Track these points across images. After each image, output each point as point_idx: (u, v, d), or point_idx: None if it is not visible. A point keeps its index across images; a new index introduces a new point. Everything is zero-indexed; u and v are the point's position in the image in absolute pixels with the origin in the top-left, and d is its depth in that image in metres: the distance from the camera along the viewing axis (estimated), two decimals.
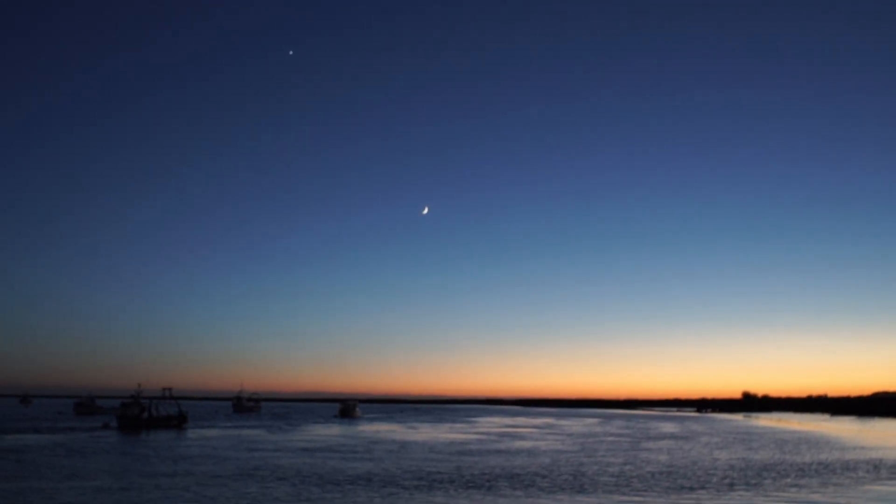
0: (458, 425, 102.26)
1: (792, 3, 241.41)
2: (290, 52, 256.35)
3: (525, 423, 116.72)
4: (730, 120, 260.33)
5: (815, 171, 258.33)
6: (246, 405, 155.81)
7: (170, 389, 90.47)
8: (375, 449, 53.65)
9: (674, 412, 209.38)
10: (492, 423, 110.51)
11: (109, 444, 56.38)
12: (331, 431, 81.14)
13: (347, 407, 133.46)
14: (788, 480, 34.51)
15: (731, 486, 32.07)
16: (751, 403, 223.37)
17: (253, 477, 34.35)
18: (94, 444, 55.80)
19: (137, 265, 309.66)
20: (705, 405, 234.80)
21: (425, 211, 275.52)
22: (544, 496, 28.83)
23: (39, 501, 26.63)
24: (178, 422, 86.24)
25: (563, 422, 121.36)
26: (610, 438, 70.88)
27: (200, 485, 31.34)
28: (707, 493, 30.04)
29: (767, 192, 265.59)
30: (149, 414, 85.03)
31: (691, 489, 31.07)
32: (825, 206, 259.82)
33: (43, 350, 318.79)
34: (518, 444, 62.17)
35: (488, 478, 34.47)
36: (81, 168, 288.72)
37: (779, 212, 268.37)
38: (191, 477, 34.21)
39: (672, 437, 74.57)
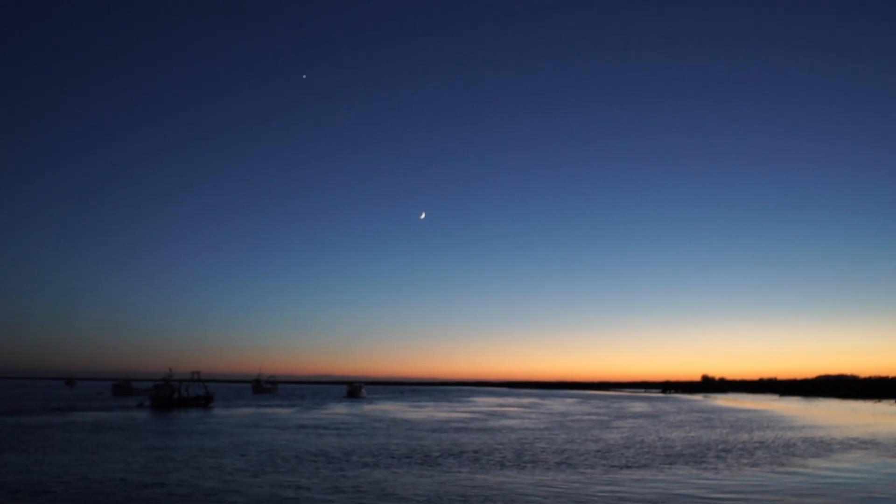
0: (455, 405, 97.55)
1: (759, 31, 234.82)
2: (304, 76, 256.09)
3: (514, 402, 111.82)
4: (695, 134, 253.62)
5: (765, 180, 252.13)
6: (264, 387, 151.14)
7: (198, 373, 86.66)
8: (363, 427, 49.35)
9: (642, 393, 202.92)
10: (486, 404, 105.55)
11: (133, 422, 52.66)
12: (337, 410, 76.80)
13: (354, 388, 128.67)
14: (730, 458, 29.88)
15: (674, 463, 27.53)
16: (709, 385, 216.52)
17: (217, 451, 30.42)
18: (121, 422, 52.08)
19: (169, 263, 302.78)
20: (669, 387, 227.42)
21: (423, 216, 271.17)
22: (483, 471, 24.45)
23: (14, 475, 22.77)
24: (204, 402, 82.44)
25: (546, 402, 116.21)
26: (586, 417, 65.98)
27: (161, 460, 27.45)
28: (650, 470, 25.52)
29: (724, 199, 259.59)
30: (179, 395, 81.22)
31: (636, 467, 26.57)
32: (774, 211, 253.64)
33: (86, 338, 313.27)
34: (496, 422, 57.59)
35: (439, 455, 30.16)
36: (121, 177, 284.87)
37: (734, 216, 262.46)
38: (157, 451, 30.29)
39: (643, 415, 69.54)
